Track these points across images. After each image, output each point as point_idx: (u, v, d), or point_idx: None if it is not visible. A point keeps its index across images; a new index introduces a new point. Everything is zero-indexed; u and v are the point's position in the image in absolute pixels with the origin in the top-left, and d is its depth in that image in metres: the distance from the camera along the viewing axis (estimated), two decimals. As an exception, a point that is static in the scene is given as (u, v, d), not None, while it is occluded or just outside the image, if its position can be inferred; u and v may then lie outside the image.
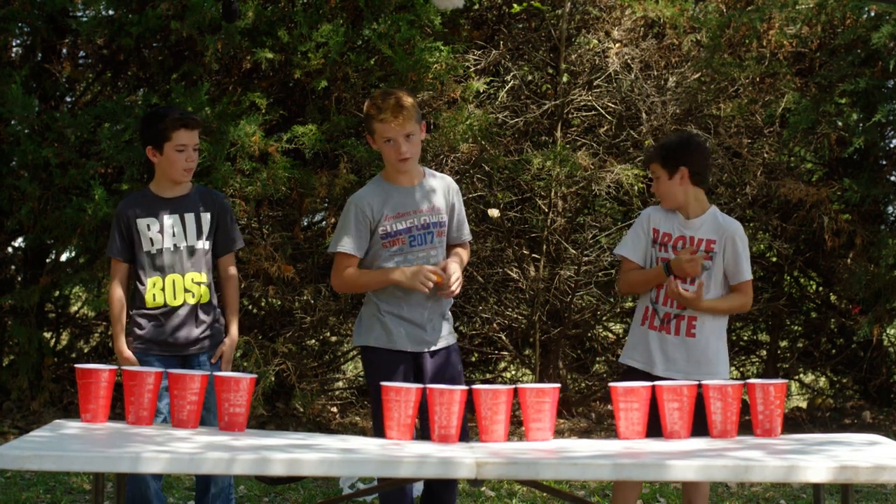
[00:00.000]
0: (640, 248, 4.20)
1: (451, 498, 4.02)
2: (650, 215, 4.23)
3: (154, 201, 4.20)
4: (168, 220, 4.17)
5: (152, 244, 4.16)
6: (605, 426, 7.16)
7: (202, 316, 4.19)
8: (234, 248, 4.32)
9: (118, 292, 4.19)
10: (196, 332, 4.18)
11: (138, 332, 4.16)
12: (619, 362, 4.28)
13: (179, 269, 4.16)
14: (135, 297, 4.21)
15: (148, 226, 4.16)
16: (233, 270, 4.30)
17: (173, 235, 4.17)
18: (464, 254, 4.11)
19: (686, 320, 4.09)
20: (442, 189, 4.09)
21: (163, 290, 4.15)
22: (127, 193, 6.30)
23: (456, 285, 3.95)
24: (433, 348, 4.00)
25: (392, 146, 3.94)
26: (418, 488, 4.46)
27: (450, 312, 4.09)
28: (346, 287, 4.08)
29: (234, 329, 4.28)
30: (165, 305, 4.15)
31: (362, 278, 3.96)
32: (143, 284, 4.16)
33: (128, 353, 4.15)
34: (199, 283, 4.18)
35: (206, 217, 4.22)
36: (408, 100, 3.95)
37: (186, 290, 4.16)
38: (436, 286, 3.92)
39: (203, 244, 4.20)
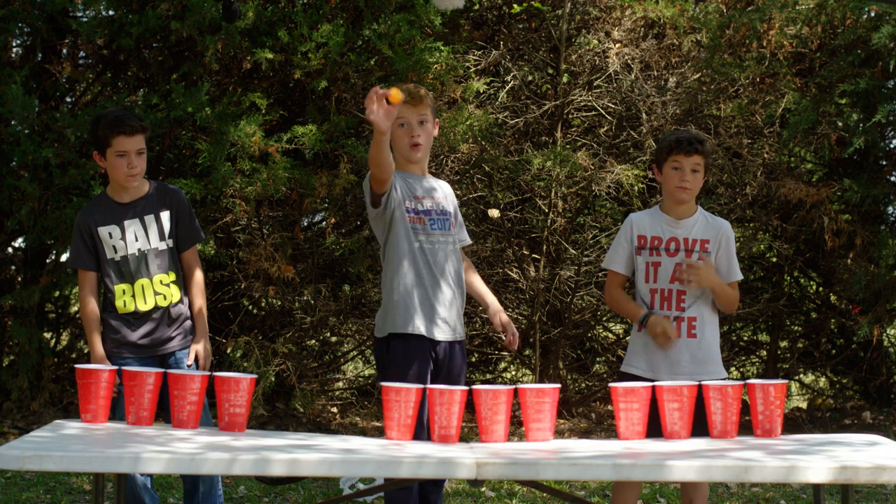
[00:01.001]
0: (623, 259, 4.18)
1: (437, 498, 4.02)
2: (633, 222, 4.18)
3: (113, 208, 4.15)
4: (129, 225, 4.13)
5: (116, 252, 4.11)
6: (605, 426, 7.16)
7: (174, 314, 4.18)
8: (195, 243, 4.29)
9: (91, 304, 4.12)
10: (168, 331, 4.17)
11: (113, 335, 4.13)
12: (622, 371, 4.19)
13: (146, 273, 4.13)
14: (105, 303, 4.16)
15: (110, 233, 4.11)
16: (196, 264, 4.26)
17: (136, 240, 4.13)
18: (476, 276, 4.24)
19: (686, 321, 4.07)
20: (447, 190, 4.19)
21: (133, 296, 4.12)
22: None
23: (515, 338, 4.12)
24: (447, 338, 4.00)
25: (405, 130, 3.98)
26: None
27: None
28: (374, 160, 3.77)
29: (201, 323, 4.23)
30: (136, 311, 4.13)
31: (371, 151, 3.78)
32: (111, 292, 4.12)
33: (101, 353, 4.10)
34: (167, 285, 4.17)
35: (166, 215, 4.18)
36: (424, 88, 4.05)
37: (157, 294, 4.14)
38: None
39: (167, 243, 4.17)
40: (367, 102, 3.63)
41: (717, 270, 4.10)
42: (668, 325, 4.03)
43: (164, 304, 4.15)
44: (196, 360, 4.20)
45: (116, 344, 4.13)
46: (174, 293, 4.18)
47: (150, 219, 4.15)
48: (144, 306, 4.13)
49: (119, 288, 4.11)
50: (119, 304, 4.11)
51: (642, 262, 4.13)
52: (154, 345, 4.15)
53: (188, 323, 4.22)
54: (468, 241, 4.26)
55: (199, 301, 4.24)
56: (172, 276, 4.17)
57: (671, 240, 4.11)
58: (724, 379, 3.92)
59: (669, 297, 4.08)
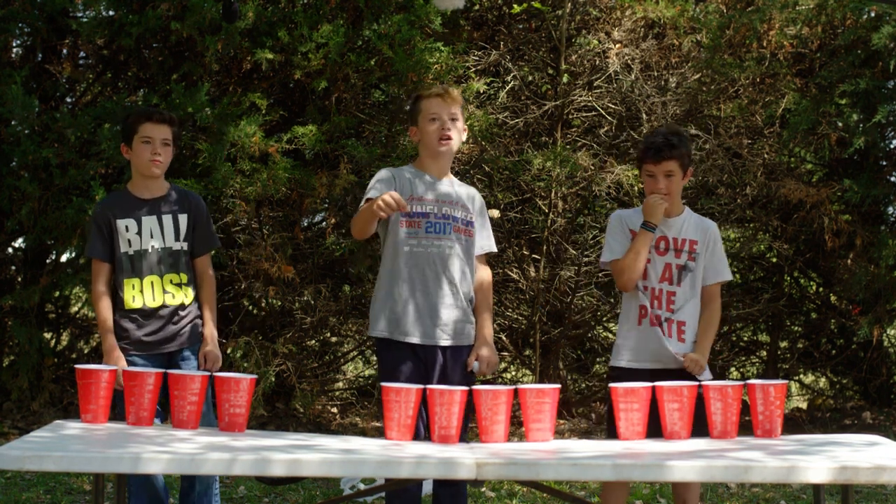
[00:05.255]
0: (625, 249, 4.09)
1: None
2: (622, 218, 4.16)
3: (132, 202, 4.19)
4: (146, 221, 4.17)
5: (130, 245, 4.15)
6: (605, 427, 7.15)
7: (182, 315, 4.19)
8: (210, 249, 4.31)
9: (104, 295, 4.14)
10: (174, 329, 4.17)
11: (121, 334, 4.14)
12: (613, 366, 4.14)
13: (157, 270, 4.15)
14: (115, 299, 4.18)
15: (126, 227, 4.15)
16: (209, 270, 4.29)
17: (151, 237, 4.16)
18: (486, 280, 4.16)
19: (676, 325, 4.03)
20: (466, 194, 4.11)
21: (141, 291, 4.14)
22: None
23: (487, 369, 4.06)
24: (425, 343, 3.99)
25: (437, 123, 3.99)
26: (425, 489, 4.45)
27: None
28: (361, 232, 3.98)
29: (210, 328, 4.24)
30: (144, 307, 4.14)
31: (360, 223, 3.95)
32: (121, 286, 4.15)
33: (118, 353, 4.10)
34: (177, 285, 4.18)
35: (183, 218, 4.21)
36: (457, 90, 4.12)
37: (165, 292, 4.16)
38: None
39: (181, 245, 4.20)
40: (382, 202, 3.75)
41: (705, 271, 4.07)
42: (650, 199, 4.02)
43: (172, 303, 4.17)
44: (205, 364, 4.21)
45: (124, 342, 4.14)
46: (185, 294, 4.20)
47: (167, 218, 4.19)
48: (153, 303, 4.14)
49: (129, 282, 4.14)
50: (128, 298, 4.13)
51: None
52: (161, 342, 4.16)
53: (197, 324, 4.24)
54: (487, 249, 4.15)
55: (210, 306, 4.26)
56: (184, 278, 4.20)
57: (661, 239, 4.07)
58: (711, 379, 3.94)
59: (660, 296, 4.04)
